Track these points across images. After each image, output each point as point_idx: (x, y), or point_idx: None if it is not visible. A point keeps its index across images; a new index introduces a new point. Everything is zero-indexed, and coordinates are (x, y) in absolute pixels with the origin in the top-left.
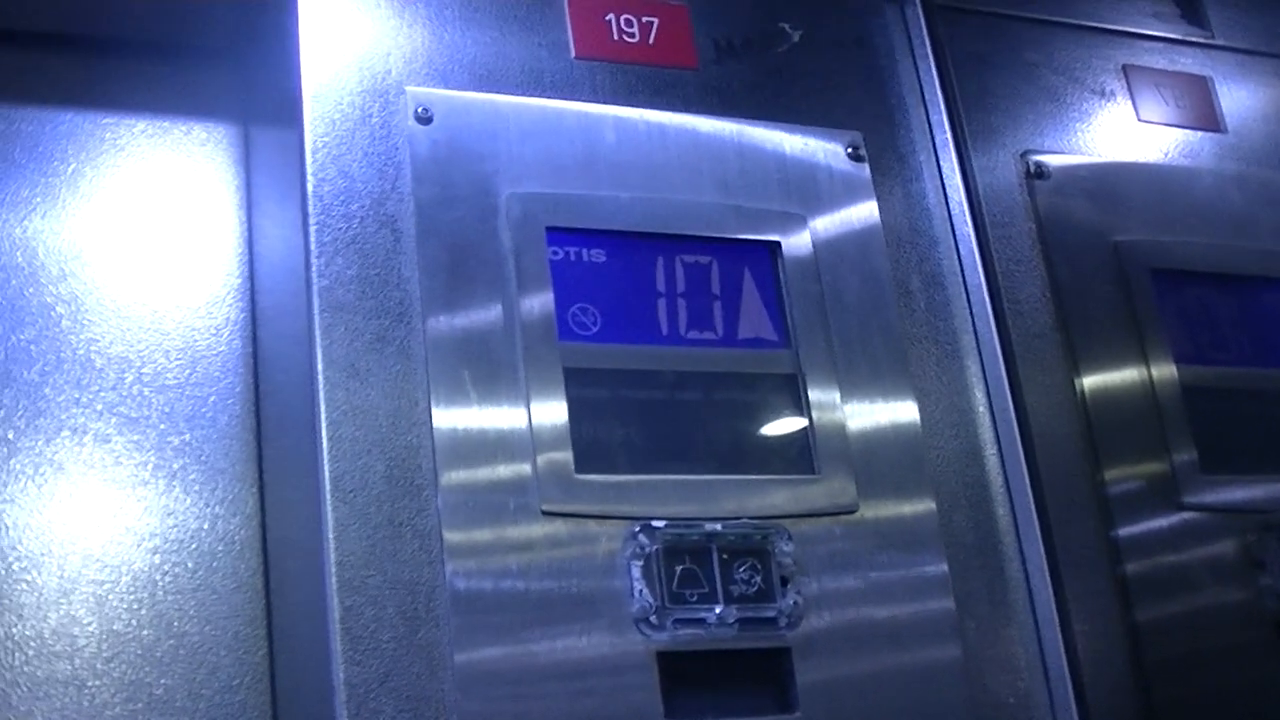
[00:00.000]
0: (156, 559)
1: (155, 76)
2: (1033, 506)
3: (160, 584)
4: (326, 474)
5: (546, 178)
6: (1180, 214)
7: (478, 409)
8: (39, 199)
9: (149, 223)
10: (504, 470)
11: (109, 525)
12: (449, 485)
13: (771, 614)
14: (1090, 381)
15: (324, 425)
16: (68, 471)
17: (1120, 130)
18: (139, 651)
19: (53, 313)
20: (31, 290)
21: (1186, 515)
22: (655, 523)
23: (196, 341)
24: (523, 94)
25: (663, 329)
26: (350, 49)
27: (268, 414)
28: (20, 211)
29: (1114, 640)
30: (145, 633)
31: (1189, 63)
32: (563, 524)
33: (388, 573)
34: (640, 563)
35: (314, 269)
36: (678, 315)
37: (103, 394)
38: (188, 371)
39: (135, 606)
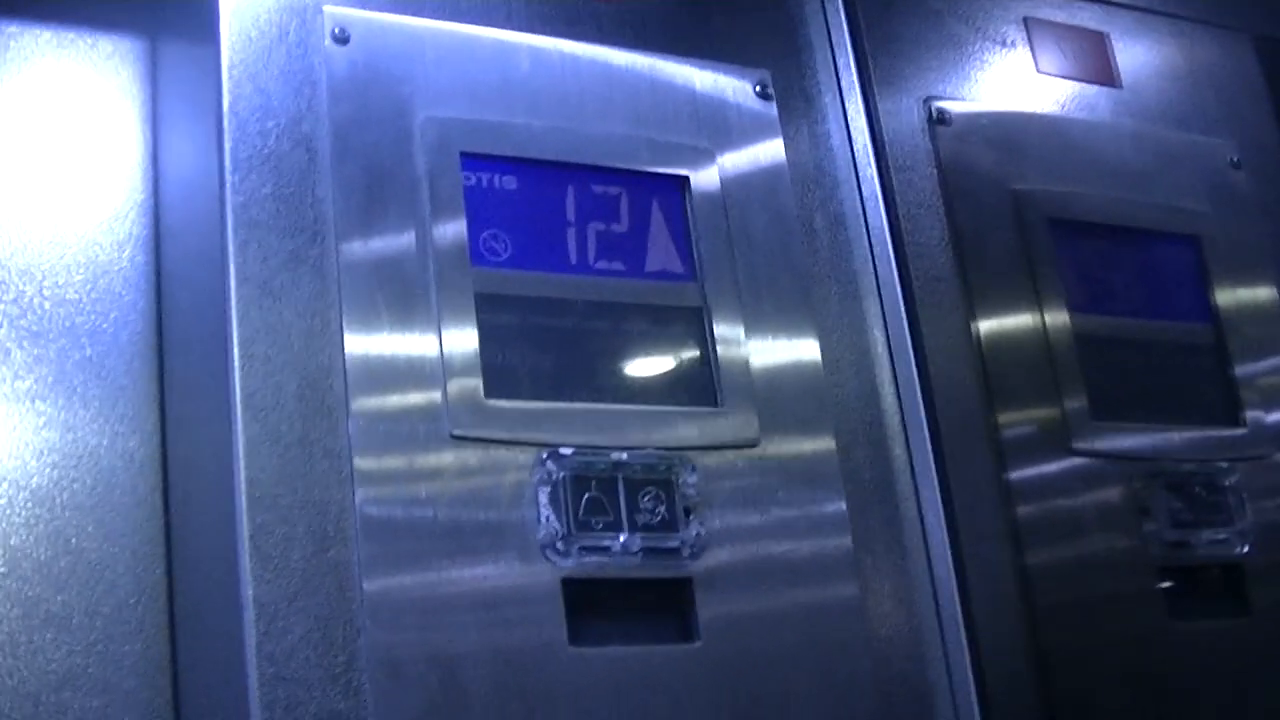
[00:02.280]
0: (55, 474)
1: None
2: (929, 446)
3: (59, 500)
4: (238, 392)
5: (462, 103)
6: (1077, 166)
7: (389, 332)
8: None
9: (52, 135)
10: (414, 395)
11: (7, 439)
12: (360, 410)
13: (675, 544)
14: (987, 326)
15: (236, 343)
16: None
17: (1020, 80)
18: (35, 567)
19: None
20: None
21: (1077, 460)
22: (563, 450)
23: (99, 256)
24: (440, 18)
25: (571, 258)
26: None
27: (171, 331)
28: None
29: (1005, 580)
30: (42, 548)
31: (1088, 18)
32: (472, 450)
33: (298, 491)
34: (548, 489)
35: (228, 186)
36: (586, 245)
37: (3, 306)
38: (89, 286)
39: (33, 522)
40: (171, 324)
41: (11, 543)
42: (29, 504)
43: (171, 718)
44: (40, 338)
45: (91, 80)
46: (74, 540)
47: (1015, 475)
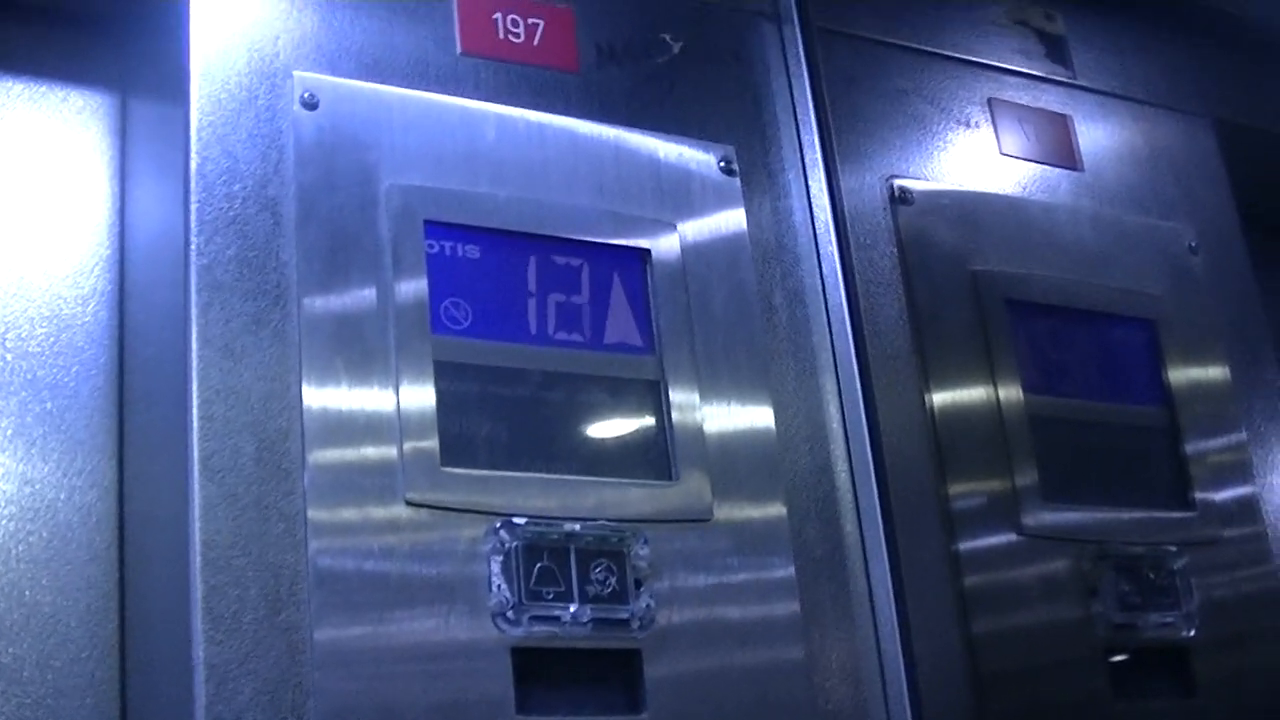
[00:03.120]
0: (11, 526)
1: (35, 39)
2: (880, 523)
3: (14, 552)
4: (196, 453)
5: (427, 170)
6: (1036, 247)
7: (348, 395)
8: None
9: (19, 186)
10: (371, 456)
11: None
12: (316, 465)
13: (624, 615)
14: (942, 404)
15: (195, 404)
16: None
17: (983, 161)
18: None
19: None
20: None
21: (1027, 539)
22: (516, 519)
23: (62, 310)
24: (408, 86)
25: (531, 328)
26: (240, 29)
27: (132, 388)
28: None
29: (951, 651)
30: None
31: (1051, 100)
32: (426, 514)
33: (252, 554)
34: (500, 558)
35: (193, 247)
36: (547, 315)
37: None
38: (52, 340)
39: None
40: (132, 380)
41: None
42: None
43: None
44: (1, 389)
45: (61, 134)
46: (28, 593)
47: (965, 552)
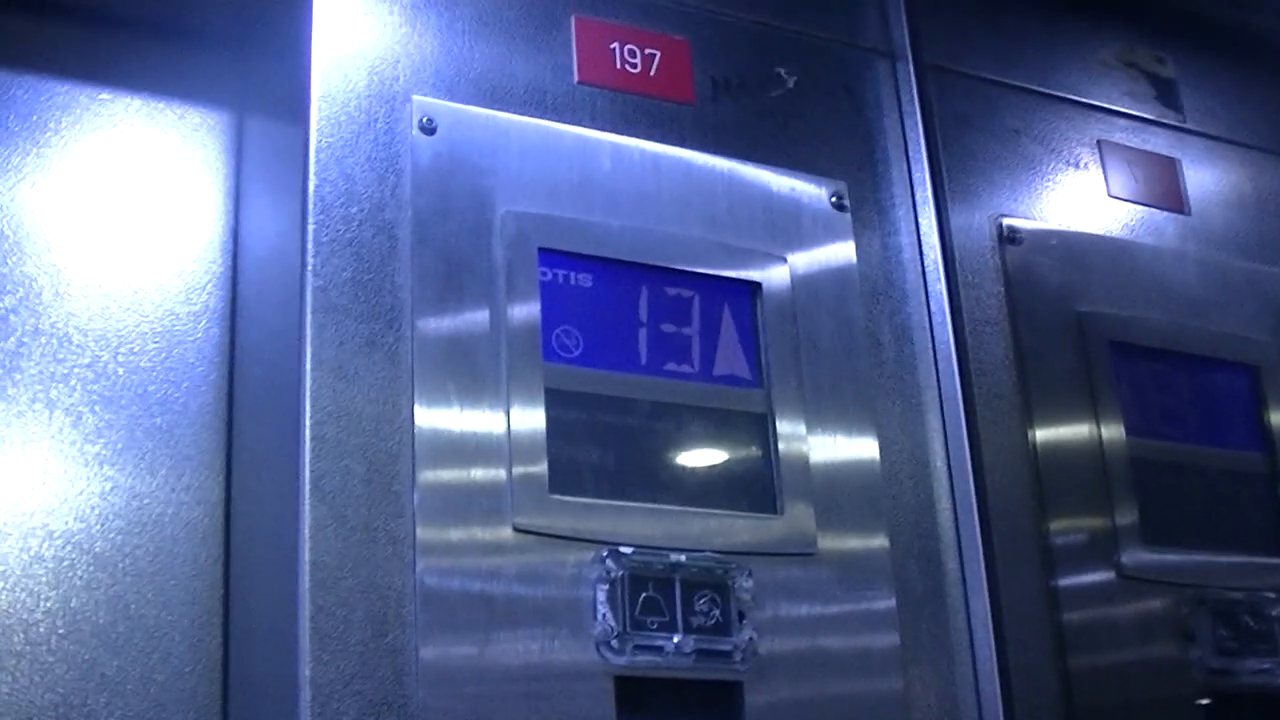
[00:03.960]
0: (119, 539)
1: (155, 55)
2: (981, 562)
3: (121, 565)
4: (307, 473)
5: (542, 198)
6: (1141, 290)
7: (459, 421)
8: (29, 168)
9: (136, 202)
10: (480, 480)
11: (74, 502)
12: (426, 485)
13: (727, 648)
14: (1044, 445)
15: (308, 425)
16: (38, 445)
17: (1091, 202)
18: (93, 631)
19: (34, 283)
20: (15, 259)
21: (1126, 582)
22: (623, 548)
23: (175, 326)
24: (524, 113)
25: (642, 358)
26: (361, 52)
27: (241, 405)
28: (10, 179)
29: (1048, 687)
30: (101, 612)
31: (1160, 143)
32: (534, 540)
33: (360, 575)
34: (606, 586)
35: (309, 268)
36: (657, 346)
37: (78, 370)
38: (164, 355)
39: (94, 586)
40: (242, 398)
41: (71, 605)
42: (90, 567)
43: None
44: (112, 403)
45: (178, 150)
46: (133, 606)
47: (1065, 593)
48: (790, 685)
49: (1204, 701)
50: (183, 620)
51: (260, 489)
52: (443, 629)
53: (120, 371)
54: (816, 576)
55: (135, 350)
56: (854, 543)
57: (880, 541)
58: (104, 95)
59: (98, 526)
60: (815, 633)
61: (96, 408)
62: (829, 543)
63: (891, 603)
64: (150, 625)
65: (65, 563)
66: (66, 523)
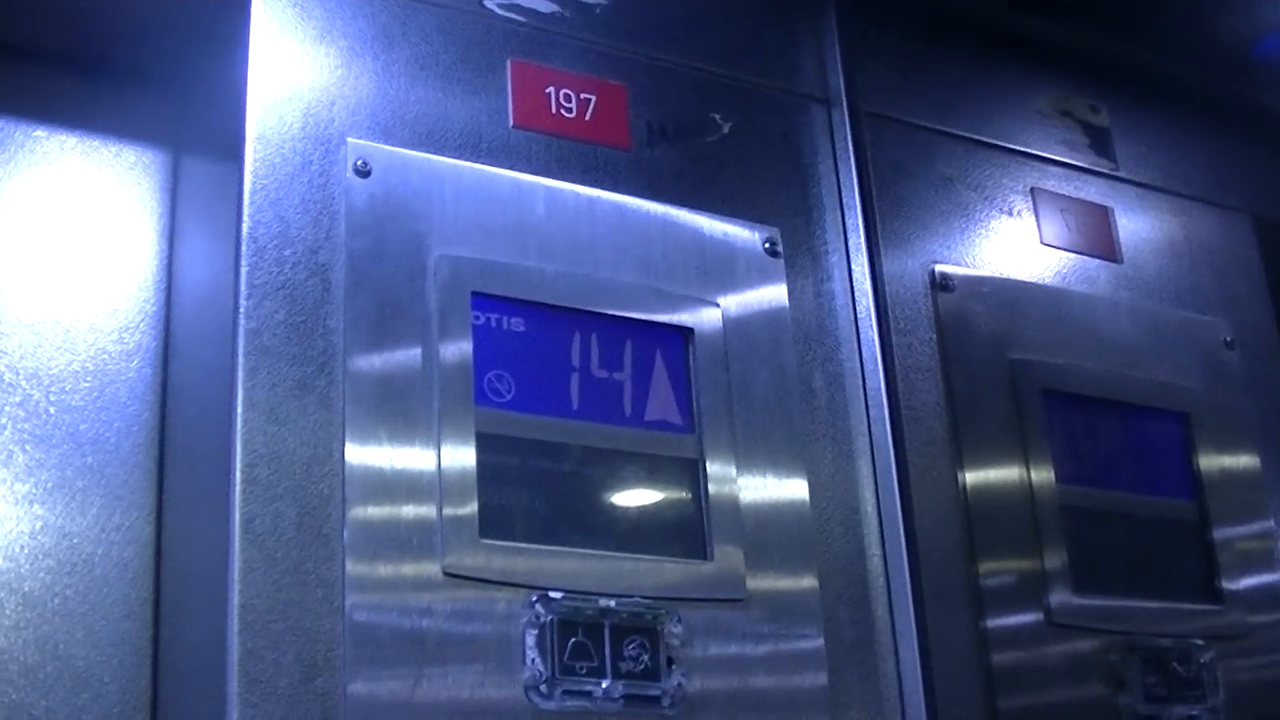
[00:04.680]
0: (48, 579)
1: (91, 93)
2: (911, 608)
3: (50, 605)
4: (238, 516)
5: (476, 242)
6: (1074, 337)
7: (390, 464)
8: None
9: (70, 240)
10: (410, 527)
11: (4, 541)
12: (356, 522)
13: (656, 693)
14: (975, 489)
15: (239, 467)
16: None
17: (1024, 250)
18: (21, 671)
19: None
20: None
21: (1055, 627)
22: (552, 593)
23: (107, 365)
24: (460, 157)
25: (574, 403)
26: (297, 93)
27: (173, 445)
28: None
29: None
30: (30, 652)
31: (1093, 191)
32: (463, 586)
33: (290, 618)
34: (535, 631)
35: (242, 310)
36: (589, 391)
37: (9, 408)
38: (96, 394)
39: (22, 625)
40: (174, 438)
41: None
42: (19, 607)
43: None
44: (44, 442)
45: (113, 189)
46: (61, 646)
47: (995, 641)
48: None
49: None
50: (112, 661)
51: (191, 530)
52: (371, 665)
53: (52, 410)
54: (746, 619)
55: (67, 389)
56: (784, 586)
57: (810, 581)
58: (39, 132)
59: (27, 566)
60: (746, 676)
61: (27, 446)
62: (759, 586)
63: (820, 643)
64: (79, 666)
65: None
66: None
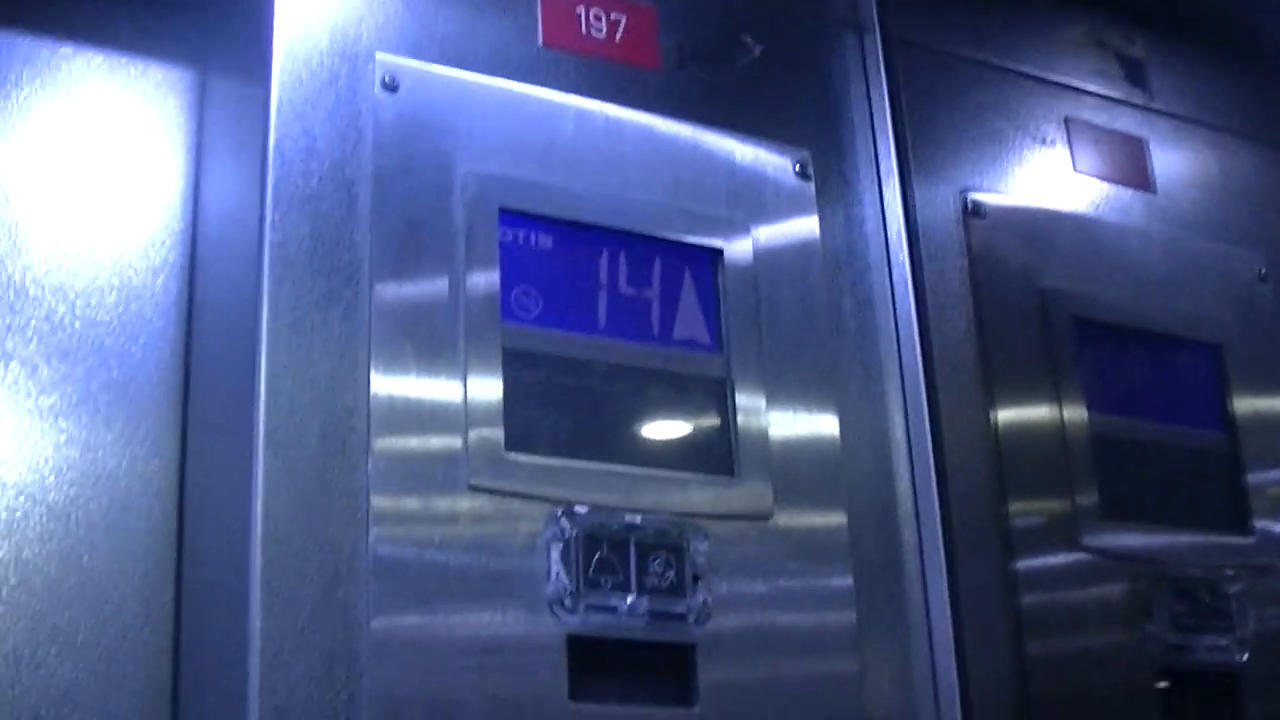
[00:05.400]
0: (72, 492)
1: (117, 12)
2: (939, 533)
3: (73, 517)
4: (261, 428)
5: (504, 160)
6: (1106, 267)
7: (416, 379)
8: None
9: (96, 157)
10: (436, 442)
11: (28, 454)
12: (380, 452)
13: (681, 609)
14: (1005, 419)
15: (263, 379)
16: None
17: (1056, 179)
18: (45, 582)
19: None
20: None
21: (1084, 557)
22: (578, 508)
23: (132, 280)
24: (488, 74)
25: (600, 321)
26: (323, 9)
27: (198, 360)
28: None
29: (1004, 670)
30: (53, 564)
31: (1127, 122)
32: (488, 500)
33: (313, 530)
34: (560, 545)
35: (268, 223)
36: (616, 309)
37: (34, 322)
38: (121, 309)
39: (46, 537)
40: (199, 354)
41: (23, 556)
42: (44, 519)
43: None
44: (68, 356)
45: (138, 107)
46: (85, 559)
47: (1022, 567)
48: (744, 654)
49: (1165, 686)
50: (135, 574)
51: (216, 444)
52: (394, 597)
53: (77, 325)
54: (773, 547)
55: (92, 304)
56: (811, 514)
57: (838, 514)
58: (66, 50)
59: (51, 479)
60: (770, 601)
61: (53, 360)
62: (786, 513)
63: (849, 580)
64: (102, 578)
65: (18, 514)
66: (20, 474)
